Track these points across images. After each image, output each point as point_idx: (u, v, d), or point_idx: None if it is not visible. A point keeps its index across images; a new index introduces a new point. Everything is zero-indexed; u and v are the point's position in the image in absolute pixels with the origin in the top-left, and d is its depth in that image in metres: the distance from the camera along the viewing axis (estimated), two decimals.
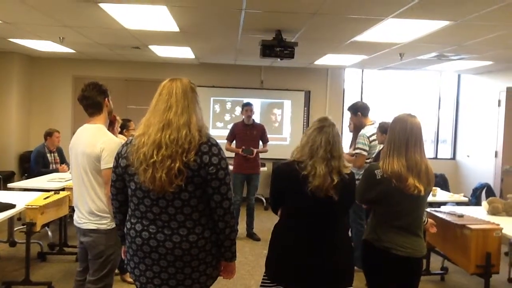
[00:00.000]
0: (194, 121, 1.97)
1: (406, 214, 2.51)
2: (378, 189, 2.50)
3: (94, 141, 2.71)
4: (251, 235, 6.01)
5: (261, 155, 6.13)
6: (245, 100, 6.55)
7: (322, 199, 2.29)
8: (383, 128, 4.31)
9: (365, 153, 4.62)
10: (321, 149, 2.29)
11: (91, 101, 2.81)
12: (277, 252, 2.42)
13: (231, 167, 5.32)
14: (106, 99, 2.88)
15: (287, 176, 2.39)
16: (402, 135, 2.50)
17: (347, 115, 5.20)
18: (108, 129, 2.92)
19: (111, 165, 2.18)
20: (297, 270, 2.33)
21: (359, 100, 8.30)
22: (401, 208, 2.50)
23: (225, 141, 6.02)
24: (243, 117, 6.04)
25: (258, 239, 5.92)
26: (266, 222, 6.76)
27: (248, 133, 5.96)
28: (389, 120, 4.34)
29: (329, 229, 2.36)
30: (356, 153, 4.66)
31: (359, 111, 4.90)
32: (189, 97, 2.01)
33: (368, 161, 4.69)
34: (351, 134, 5.23)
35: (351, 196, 2.46)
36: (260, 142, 6.09)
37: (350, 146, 5.46)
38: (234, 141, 6.05)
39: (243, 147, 5.86)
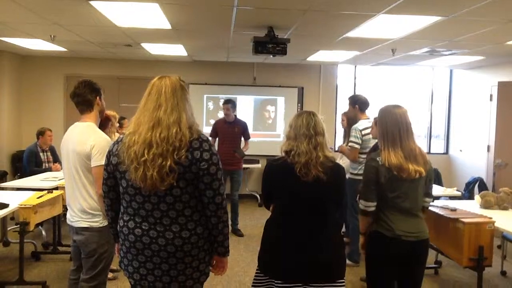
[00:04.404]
0: (184, 119, 1.97)
1: (406, 195, 2.58)
2: (383, 173, 2.55)
3: (84, 139, 2.71)
4: (235, 231, 6.03)
5: (253, 151, 6.10)
6: (239, 97, 6.53)
7: (312, 185, 2.31)
8: None
9: (357, 146, 4.65)
10: (303, 127, 2.41)
11: (82, 99, 2.83)
12: (267, 246, 2.48)
13: None
14: (98, 97, 2.88)
15: (276, 171, 2.44)
16: (394, 127, 2.59)
17: (340, 111, 5.21)
18: (100, 129, 2.92)
19: (100, 162, 2.17)
20: (286, 264, 2.36)
21: (359, 94, 8.31)
22: (404, 190, 2.56)
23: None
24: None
25: (241, 235, 5.94)
26: (260, 218, 6.77)
27: (230, 130, 5.98)
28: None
29: (318, 224, 2.38)
30: (350, 146, 4.70)
31: (358, 104, 4.91)
32: (179, 95, 2.01)
33: (363, 156, 4.71)
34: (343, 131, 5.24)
35: (341, 181, 2.48)
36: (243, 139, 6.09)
37: (343, 141, 5.48)
38: (217, 138, 6.07)
39: (234, 149, 5.85)
